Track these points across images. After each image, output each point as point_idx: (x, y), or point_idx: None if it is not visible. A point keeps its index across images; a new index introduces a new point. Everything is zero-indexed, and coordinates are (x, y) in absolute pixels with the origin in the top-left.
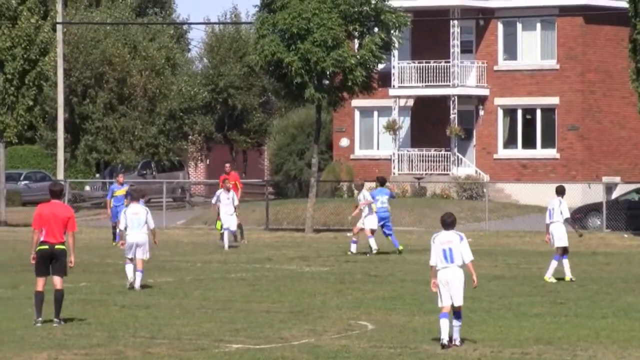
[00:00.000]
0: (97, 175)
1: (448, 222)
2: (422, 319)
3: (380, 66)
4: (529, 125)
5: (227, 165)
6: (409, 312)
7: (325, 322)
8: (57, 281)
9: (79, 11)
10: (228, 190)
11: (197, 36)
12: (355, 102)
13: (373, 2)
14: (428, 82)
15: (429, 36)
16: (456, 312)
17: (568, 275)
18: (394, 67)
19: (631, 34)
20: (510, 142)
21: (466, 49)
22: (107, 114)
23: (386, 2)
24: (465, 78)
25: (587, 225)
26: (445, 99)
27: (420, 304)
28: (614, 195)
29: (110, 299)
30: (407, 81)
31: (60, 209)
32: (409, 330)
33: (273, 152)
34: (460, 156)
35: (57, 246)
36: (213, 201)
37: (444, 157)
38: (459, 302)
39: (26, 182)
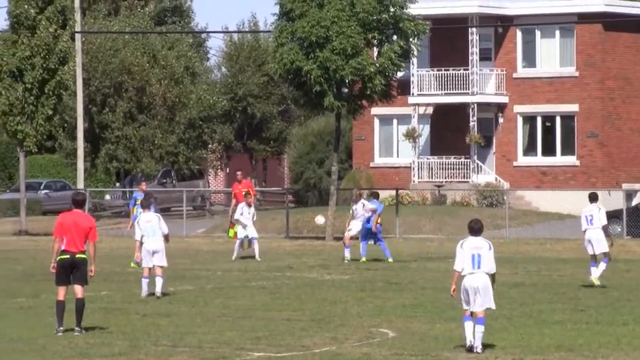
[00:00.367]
0: (117, 184)
1: (475, 229)
2: (443, 326)
3: (400, 74)
4: (549, 132)
5: (239, 173)
6: (430, 320)
7: (347, 330)
8: (78, 290)
9: (97, 20)
10: (250, 205)
11: (215, 45)
12: (375, 110)
13: (392, 10)
14: (447, 89)
15: (447, 44)
16: (479, 318)
17: (595, 277)
18: (413, 75)
19: None
20: (529, 149)
21: (485, 57)
22: (127, 123)
23: (405, 10)
24: (484, 86)
25: (608, 232)
26: (464, 107)
27: (441, 311)
28: (634, 202)
29: (132, 307)
30: (426, 89)
31: (82, 218)
32: (430, 338)
33: (293, 160)
34: (480, 164)
35: (77, 255)
36: (236, 216)
37: (464, 164)
38: (484, 307)
39: (46, 191)
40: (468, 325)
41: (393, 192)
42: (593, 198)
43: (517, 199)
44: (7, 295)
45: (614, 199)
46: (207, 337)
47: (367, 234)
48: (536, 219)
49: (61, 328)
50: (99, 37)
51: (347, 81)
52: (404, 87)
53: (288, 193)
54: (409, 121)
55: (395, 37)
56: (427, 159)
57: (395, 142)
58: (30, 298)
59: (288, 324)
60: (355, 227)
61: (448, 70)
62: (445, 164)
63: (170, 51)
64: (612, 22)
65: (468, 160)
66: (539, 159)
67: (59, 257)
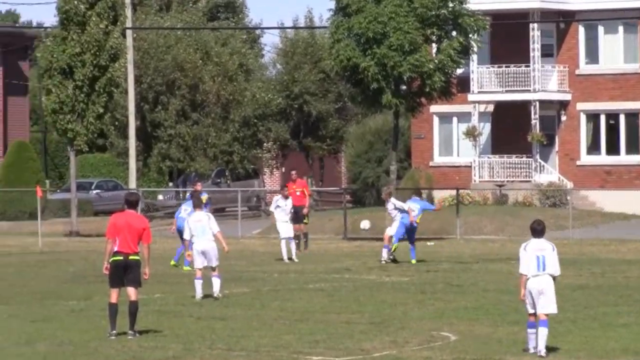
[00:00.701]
0: (170, 184)
1: (538, 230)
2: (506, 329)
3: (459, 71)
4: (613, 130)
5: (293, 172)
6: (492, 323)
7: (407, 333)
8: (131, 292)
9: (148, 16)
10: (286, 197)
11: (270, 41)
12: (434, 108)
13: (451, 5)
14: (508, 87)
15: (508, 40)
16: (542, 321)
17: None
18: (472, 71)
19: None
20: (593, 148)
21: (547, 53)
22: (180, 121)
23: (464, 6)
24: (546, 83)
25: None
26: (526, 104)
27: (504, 314)
28: None
29: (186, 310)
30: (486, 86)
31: (135, 219)
32: (493, 341)
33: (350, 159)
34: (542, 163)
35: (131, 257)
36: (271, 208)
37: (526, 163)
38: (549, 310)
39: (98, 191)
40: (531, 332)
41: (453, 192)
42: None
43: (581, 199)
44: (58, 298)
45: None
46: (264, 340)
47: (408, 232)
48: (600, 220)
49: (114, 331)
50: (151, 34)
51: (405, 78)
52: (464, 84)
53: (346, 193)
54: (469, 119)
55: (454, 33)
56: (488, 157)
57: (455, 140)
58: (82, 300)
59: (347, 327)
60: (393, 227)
61: (509, 67)
62: (507, 163)
63: (223, 48)
64: None
65: (530, 159)
66: (603, 158)
67: (111, 259)
